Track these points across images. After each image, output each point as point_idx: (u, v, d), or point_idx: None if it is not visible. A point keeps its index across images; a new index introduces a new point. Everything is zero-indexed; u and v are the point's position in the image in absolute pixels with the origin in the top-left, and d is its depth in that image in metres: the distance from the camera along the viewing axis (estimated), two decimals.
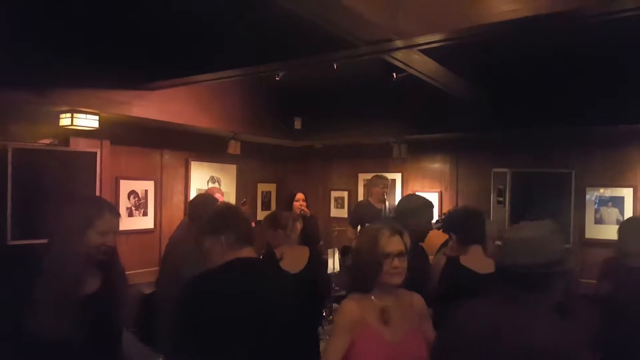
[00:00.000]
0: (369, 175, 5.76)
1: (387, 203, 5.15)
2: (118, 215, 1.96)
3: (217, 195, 4.72)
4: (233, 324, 1.75)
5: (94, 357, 1.84)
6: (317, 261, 3.17)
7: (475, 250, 2.53)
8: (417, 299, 1.93)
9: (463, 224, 2.65)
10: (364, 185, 6.47)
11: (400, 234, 1.84)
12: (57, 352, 1.71)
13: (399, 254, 1.79)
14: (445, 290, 2.37)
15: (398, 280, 1.80)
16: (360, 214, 5.16)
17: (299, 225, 3.33)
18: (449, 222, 2.85)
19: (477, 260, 2.45)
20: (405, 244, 1.83)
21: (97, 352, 1.84)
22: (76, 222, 1.83)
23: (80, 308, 1.78)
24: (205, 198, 3.83)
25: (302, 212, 5.14)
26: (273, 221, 3.16)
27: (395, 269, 1.78)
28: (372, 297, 1.81)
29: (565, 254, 1.56)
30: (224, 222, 1.92)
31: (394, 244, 1.80)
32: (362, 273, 1.82)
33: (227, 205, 2.53)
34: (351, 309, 1.79)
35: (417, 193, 6.13)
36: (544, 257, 1.48)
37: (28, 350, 1.70)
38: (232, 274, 1.85)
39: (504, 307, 1.50)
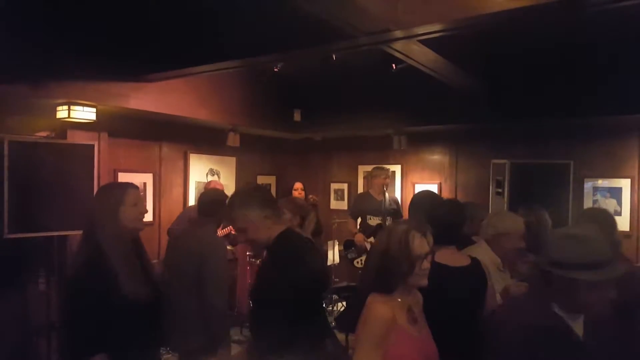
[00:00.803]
0: (369, 167, 5.76)
1: (387, 195, 5.16)
2: (138, 187, 2.24)
3: (218, 187, 4.71)
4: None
5: (153, 317, 2.09)
6: (319, 254, 3.14)
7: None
8: (420, 295, 1.92)
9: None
10: (364, 177, 6.47)
11: (427, 234, 1.81)
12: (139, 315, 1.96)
13: (427, 255, 1.78)
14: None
15: (425, 281, 1.78)
16: (361, 205, 5.17)
17: (313, 218, 3.29)
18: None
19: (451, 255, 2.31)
20: (429, 244, 1.80)
21: (155, 314, 2.10)
22: (109, 202, 2.06)
23: (139, 276, 2.04)
24: (217, 193, 3.81)
25: (313, 200, 5.15)
26: (296, 209, 3.08)
27: (425, 271, 1.77)
28: (399, 299, 1.77)
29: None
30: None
31: (425, 245, 1.77)
32: (391, 275, 1.75)
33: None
34: (385, 314, 1.70)
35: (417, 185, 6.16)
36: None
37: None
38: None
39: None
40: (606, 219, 2.70)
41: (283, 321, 1.85)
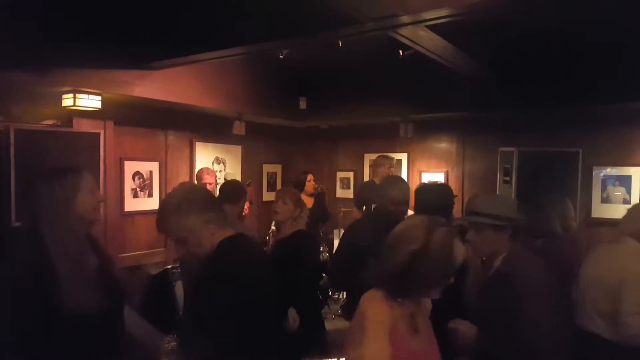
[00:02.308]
0: (375, 156, 5.73)
1: None
2: (91, 174, 1.92)
3: (207, 177, 4.69)
4: None
5: (106, 328, 1.82)
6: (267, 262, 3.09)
7: None
8: (430, 304, 1.72)
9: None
10: (370, 166, 6.44)
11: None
12: (73, 324, 1.67)
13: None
14: None
15: (439, 293, 1.59)
16: (365, 194, 5.14)
17: (307, 211, 3.31)
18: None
19: None
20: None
21: (109, 324, 1.84)
22: (63, 189, 1.75)
23: (96, 280, 1.77)
24: (235, 184, 3.87)
25: (320, 188, 5.15)
26: (297, 200, 3.13)
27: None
28: (403, 304, 1.56)
29: None
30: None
31: (462, 254, 1.56)
32: (419, 280, 1.51)
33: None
34: (385, 313, 1.51)
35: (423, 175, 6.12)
36: None
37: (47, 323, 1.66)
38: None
39: None
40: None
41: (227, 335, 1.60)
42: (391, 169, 5.12)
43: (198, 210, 1.68)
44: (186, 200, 1.70)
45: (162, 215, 1.74)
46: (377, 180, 5.19)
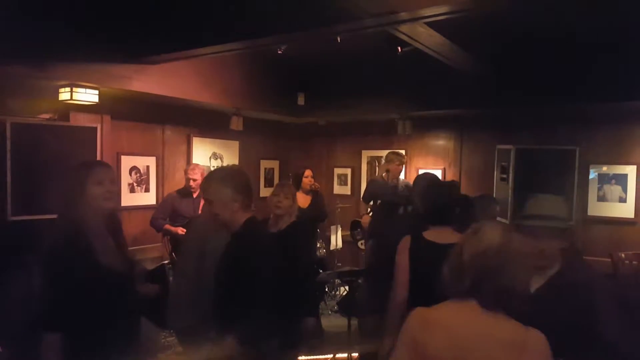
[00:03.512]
0: (373, 152, 5.74)
1: (401, 179, 5.14)
2: (108, 165, 2.20)
3: (190, 172, 4.65)
4: None
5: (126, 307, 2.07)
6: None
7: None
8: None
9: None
10: (368, 163, 6.45)
11: None
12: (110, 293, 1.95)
13: None
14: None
15: None
16: (374, 189, 5.15)
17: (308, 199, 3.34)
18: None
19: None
20: None
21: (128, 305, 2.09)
22: (76, 181, 2.00)
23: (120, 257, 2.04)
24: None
25: (314, 186, 5.14)
26: (294, 193, 3.24)
27: None
28: None
29: None
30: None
31: None
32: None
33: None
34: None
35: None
36: None
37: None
38: None
39: None
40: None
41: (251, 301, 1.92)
42: (400, 167, 5.12)
43: (234, 188, 2.06)
44: (227, 176, 2.12)
45: (207, 177, 2.18)
46: (386, 177, 5.19)
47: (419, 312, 1.56)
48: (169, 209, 4.62)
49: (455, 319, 1.48)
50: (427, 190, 2.61)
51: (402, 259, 2.39)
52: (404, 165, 5.16)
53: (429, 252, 2.29)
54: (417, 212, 2.89)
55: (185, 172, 4.77)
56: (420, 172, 6.02)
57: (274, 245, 2.26)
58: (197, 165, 4.94)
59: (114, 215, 2.18)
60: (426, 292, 2.10)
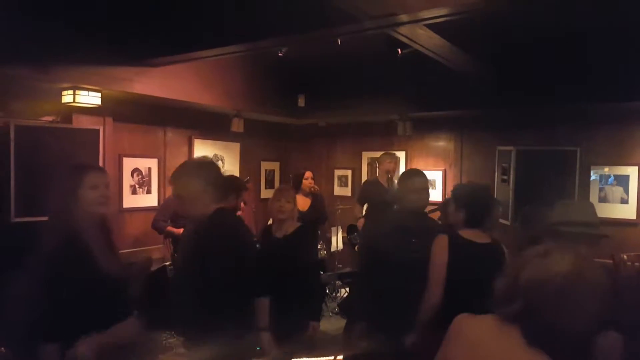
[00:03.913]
0: (373, 154, 5.75)
1: (395, 181, 5.14)
2: (103, 169, 2.18)
3: None
4: None
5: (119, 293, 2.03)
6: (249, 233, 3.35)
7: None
8: None
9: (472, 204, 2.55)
10: (368, 164, 6.46)
11: None
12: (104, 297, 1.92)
13: None
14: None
15: None
16: (368, 192, 5.16)
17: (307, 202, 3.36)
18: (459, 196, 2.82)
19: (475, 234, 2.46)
20: None
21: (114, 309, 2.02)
22: (68, 184, 1.98)
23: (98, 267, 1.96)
24: (234, 179, 3.87)
25: (313, 189, 5.14)
26: (294, 196, 3.23)
27: None
28: None
29: None
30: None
31: None
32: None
33: None
34: None
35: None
36: None
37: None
38: None
39: None
40: None
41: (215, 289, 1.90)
42: (392, 165, 5.12)
43: (203, 179, 1.98)
44: (195, 168, 2.04)
45: (174, 173, 2.09)
46: (379, 178, 5.21)
47: (464, 319, 1.44)
48: (170, 210, 4.64)
49: (491, 342, 1.33)
50: (469, 194, 2.65)
51: (440, 257, 2.38)
52: (395, 165, 5.16)
53: (469, 250, 2.36)
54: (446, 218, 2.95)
55: None
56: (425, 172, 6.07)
57: (242, 237, 2.19)
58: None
59: (105, 220, 2.14)
60: (464, 291, 2.10)
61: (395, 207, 3.17)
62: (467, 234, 2.42)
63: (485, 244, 2.41)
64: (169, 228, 4.60)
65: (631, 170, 4.93)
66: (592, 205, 2.27)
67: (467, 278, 2.22)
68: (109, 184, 2.10)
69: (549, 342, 1.25)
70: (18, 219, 3.62)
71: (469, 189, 2.83)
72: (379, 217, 3.52)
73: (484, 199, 2.54)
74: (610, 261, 4.42)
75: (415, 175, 2.88)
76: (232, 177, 4.10)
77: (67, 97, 3.95)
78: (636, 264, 4.38)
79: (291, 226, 3.09)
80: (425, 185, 2.91)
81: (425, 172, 2.92)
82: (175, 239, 4.62)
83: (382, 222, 3.09)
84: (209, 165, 2.13)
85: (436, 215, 3.48)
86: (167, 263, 4.41)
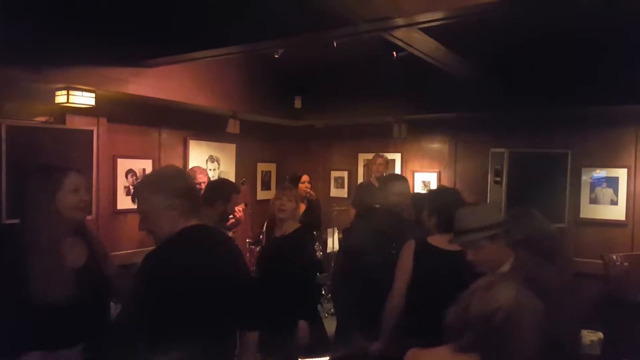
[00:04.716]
0: (369, 155, 5.76)
1: None
2: (81, 172, 2.00)
3: (200, 176, 4.67)
4: None
5: (86, 323, 1.87)
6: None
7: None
8: None
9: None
10: (364, 165, 6.48)
11: None
12: (55, 317, 1.76)
13: None
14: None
15: None
16: (362, 194, 5.18)
17: (302, 207, 3.35)
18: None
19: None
20: None
21: (90, 320, 1.89)
22: (44, 186, 1.82)
23: (72, 278, 1.83)
24: (223, 182, 3.82)
25: (308, 194, 5.15)
26: (297, 195, 3.18)
27: None
28: None
29: None
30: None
31: None
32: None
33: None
34: None
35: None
36: None
37: (29, 314, 1.73)
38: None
39: None
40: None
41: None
42: (381, 167, 5.16)
43: (165, 194, 1.73)
44: (158, 181, 1.79)
45: (136, 187, 1.88)
46: (373, 180, 5.24)
47: (416, 355, 1.52)
48: None
49: None
50: (437, 198, 2.66)
51: (405, 262, 2.40)
52: (383, 167, 5.19)
53: (435, 257, 2.36)
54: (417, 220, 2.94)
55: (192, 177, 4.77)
56: (416, 175, 6.11)
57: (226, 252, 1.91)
58: (199, 167, 4.96)
59: (85, 225, 2.01)
60: (426, 298, 2.14)
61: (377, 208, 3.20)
62: (437, 240, 2.42)
63: (454, 251, 2.34)
64: None
65: (621, 173, 4.99)
66: (485, 206, 2.30)
67: (430, 285, 2.25)
68: (88, 188, 1.98)
69: None
70: (10, 221, 3.59)
71: (439, 194, 2.85)
72: (360, 221, 3.53)
73: (455, 204, 2.49)
74: (600, 261, 4.48)
75: (395, 179, 2.90)
76: (218, 181, 4.05)
77: (60, 98, 3.93)
78: (625, 264, 4.44)
79: (291, 226, 3.08)
80: (403, 189, 2.94)
81: (420, 173, 2.95)
82: None
83: (359, 227, 3.10)
84: (173, 176, 1.84)
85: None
86: None
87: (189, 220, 1.78)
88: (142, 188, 1.82)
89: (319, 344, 2.91)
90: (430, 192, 3.00)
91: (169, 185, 1.76)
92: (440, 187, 3.12)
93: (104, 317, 2.00)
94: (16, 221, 1.94)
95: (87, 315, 1.86)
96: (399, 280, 2.39)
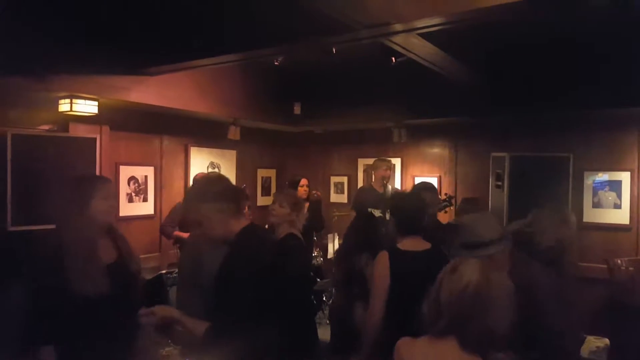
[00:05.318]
0: (369, 160, 5.76)
1: (389, 187, 5.17)
2: (110, 180, 2.35)
3: None
4: None
5: (116, 312, 2.04)
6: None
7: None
8: None
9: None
10: (364, 170, 6.49)
11: None
12: (93, 308, 1.95)
13: None
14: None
15: None
16: (362, 198, 5.18)
17: (305, 213, 3.33)
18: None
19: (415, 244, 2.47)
20: None
21: (119, 309, 2.05)
22: (79, 195, 2.05)
23: (107, 273, 2.04)
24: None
25: (315, 195, 5.14)
26: (293, 203, 3.15)
27: None
28: None
29: None
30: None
31: None
32: None
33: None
34: None
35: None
36: None
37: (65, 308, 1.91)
38: None
39: None
40: None
41: (247, 313, 1.74)
42: (388, 171, 5.15)
43: (214, 199, 1.87)
44: (205, 189, 1.94)
45: (185, 199, 2.10)
46: (374, 185, 5.23)
47: (403, 345, 1.55)
48: (177, 217, 4.66)
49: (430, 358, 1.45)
50: (396, 202, 2.70)
51: (382, 273, 2.39)
52: (390, 171, 5.19)
53: (408, 260, 2.37)
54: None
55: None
56: (417, 180, 6.11)
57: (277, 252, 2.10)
58: (204, 173, 4.98)
59: (113, 227, 2.24)
60: (409, 304, 2.13)
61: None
62: (406, 244, 2.44)
63: (425, 250, 2.43)
64: (177, 232, 4.61)
65: (624, 176, 4.97)
66: (482, 218, 2.25)
67: (411, 288, 2.18)
68: (116, 195, 2.19)
69: (481, 344, 1.40)
70: (14, 228, 3.61)
71: (396, 198, 2.86)
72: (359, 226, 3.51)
73: (411, 206, 2.54)
74: (605, 266, 4.46)
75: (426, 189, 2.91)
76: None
77: (64, 106, 3.96)
78: (630, 268, 4.41)
79: (282, 232, 3.06)
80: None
81: (420, 178, 2.96)
82: (182, 244, 4.63)
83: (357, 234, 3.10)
84: (217, 182, 2.00)
85: None
86: (164, 271, 4.41)
87: (239, 220, 1.92)
88: (191, 199, 1.97)
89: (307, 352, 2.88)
90: (392, 195, 3.03)
91: (215, 190, 1.90)
92: (401, 191, 3.19)
93: (132, 309, 2.12)
94: (51, 226, 2.24)
95: (119, 307, 2.04)
96: (377, 293, 2.37)
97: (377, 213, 5.12)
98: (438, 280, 1.51)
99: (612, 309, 4.19)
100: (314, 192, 5.29)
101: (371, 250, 2.95)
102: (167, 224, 4.67)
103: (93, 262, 2.01)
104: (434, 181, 5.99)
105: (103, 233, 2.14)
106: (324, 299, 4.73)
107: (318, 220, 5.11)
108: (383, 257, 2.41)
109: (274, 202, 3.10)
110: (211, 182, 2.01)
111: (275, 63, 4.24)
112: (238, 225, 1.90)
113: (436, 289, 1.49)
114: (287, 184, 5.26)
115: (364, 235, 3.00)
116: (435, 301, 1.47)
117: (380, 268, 2.39)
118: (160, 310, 1.82)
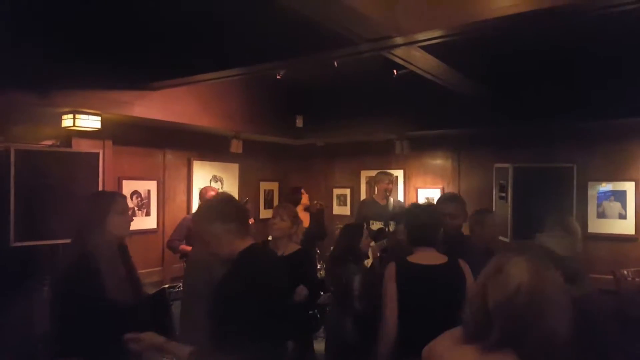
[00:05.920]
0: (372, 173, 5.76)
1: (391, 200, 5.15)
2: (125, 197, 2.43)
3: (211, 194, 4.71)
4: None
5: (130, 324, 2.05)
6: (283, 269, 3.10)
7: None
8: None
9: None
10: (367, 183, 6.47)
11: None
12: (114, 318, 2.01)
13: None
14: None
15: None
16: (364, 211, 5.16)
17: (302, 228, 3.33)
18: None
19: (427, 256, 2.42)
20: None
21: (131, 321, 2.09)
22: (99, 209, 2.17)
23: (123, 285, 2.14)
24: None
25: (319, 205, 5.14)
26: (293, 217, 3.16)
27: None
28: None
29: None
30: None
31: None
32: None
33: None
34: None
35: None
36: None
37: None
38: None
39: None
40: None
41: (243, 327, 1.76)
42: (390, 185, 5.14)
43: (222, 220, 1.93)
44: (214, 210, 2.00)
45: (194, 218, 2.16)
46: (376, 197, 5.21)
47: (442, 349, 1.36)
48: (184, 231, 4.66)
49: None
50: (409, 213, 2.67)
51: (388, 284, 2.35)
52: (392, 185, 5.18)
53: (415, 273, 2.33)
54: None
55: (202, 196, 4.80)
56: (420, 192, 6.09)
57: (280, 268, 2.10)
58: (211, 187, 5.01)
59: (124, 244, 2.33)
60: (419, 318, 2.11)
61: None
62: (418, 256, 2.39)
63: (439, 265, 2.34)
64: (183, 246, 4.60)
65: (629, 186, 4.95)
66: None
67: (421, 303, 2.22)
68: (130, 210, 2.35)
69: (543, 354, 1.20)
70: (18, 244, 3.61)
71: (409, 209, 2.84)
72: (341, 236, 3.49)
73: (424, 218, 2.49)
74: (611, 277, 4.41)
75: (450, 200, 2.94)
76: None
77: (67, 121, 3.98)
78: (637, 279, 4.36)
79: (289, 247, 3.05)
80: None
81: (423, 190, 2.94)
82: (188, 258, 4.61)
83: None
84: (226, 203, 2.05)
85: None
86: (166, 286, 4.38)
87: (245, 239, 1.98)
88: (200, 219, 2.03)
89: None
90: (407, 208, 2.99)
91: (226, 212, 1.97)
92: (417, 204, 3.15)
93: (138, 317, 2.23)
94: (67, 241, 2.34)
95: (129, 316, 2.11)
96: (387, 306, 2.33)
97: (378, 225, 5.13)
98: (480, 284, 1.30)
99: (618, 321, 4.13)
100: (315, 202, 5.29)
101: (355, 260, 2.95)
102: (174, 238, 4.68)
103: (112, 274, 2.11)
104: (437, 193, 5.98)
105: (117, 246, 2.23)
106: (328, 311, 4.68)
107: (320, 229, 5.10)
108: (389, 269, 2.39)
109: (274, 217, 3.09)
110: (222, 203, 2.06)
111: (278, 76, 4.26)
112: (243, 244, 1.96)
113: (480, 294, 1.28)
114: (289, 192, 5.26)
115: (344, 245, 3.00)
116: (480, 309, 1.26)
117: (386, 279, 2.38)
118: (147, 337, 1.86)
